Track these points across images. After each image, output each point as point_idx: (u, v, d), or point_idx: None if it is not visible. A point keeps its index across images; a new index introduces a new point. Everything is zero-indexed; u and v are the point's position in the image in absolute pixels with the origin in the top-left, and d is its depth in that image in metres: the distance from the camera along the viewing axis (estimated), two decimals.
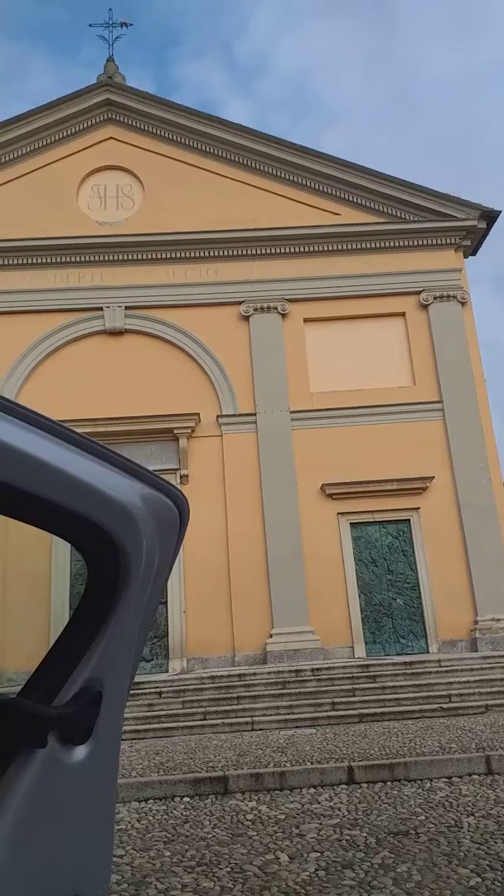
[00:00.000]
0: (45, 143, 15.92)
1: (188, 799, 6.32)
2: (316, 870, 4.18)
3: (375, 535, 13.93)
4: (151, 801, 6.34)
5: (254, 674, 11.58)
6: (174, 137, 16.18)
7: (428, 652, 13.12)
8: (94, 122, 16.22)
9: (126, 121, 16.25)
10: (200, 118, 16.17)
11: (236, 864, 4.38)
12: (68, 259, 15.13)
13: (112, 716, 1.17)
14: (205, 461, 14.16)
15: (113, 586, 1.13)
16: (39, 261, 15.05)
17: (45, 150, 15.94)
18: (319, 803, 5.84)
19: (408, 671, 11.49)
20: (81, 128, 16.14)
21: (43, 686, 1.13)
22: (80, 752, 1.12)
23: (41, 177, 15.75)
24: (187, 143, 16.16)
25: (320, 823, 5.21)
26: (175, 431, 14.12)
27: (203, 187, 15.83)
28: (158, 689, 11.12)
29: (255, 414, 14.39)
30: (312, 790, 6.33)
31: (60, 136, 16.01)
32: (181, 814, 5.82)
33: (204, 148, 16.13)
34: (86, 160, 16.04)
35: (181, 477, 13.99)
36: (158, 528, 1.18)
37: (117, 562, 1.11)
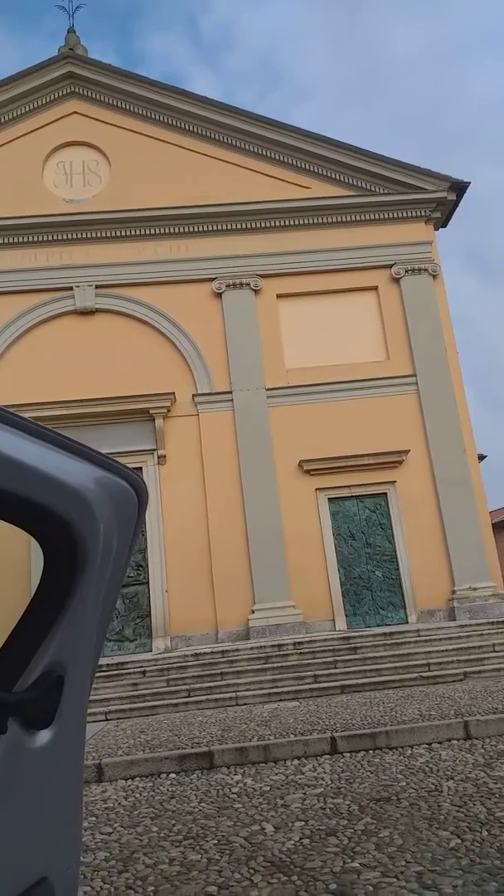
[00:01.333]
0: (6, 118, 15.50)
1: (174, 775, 6.40)
2: (301, 838, 4.28)
3: (353, 509, 14.06)
4: (138, 778, 6.42)
5: (237, 650, 11.70)
6: (140, 111, 15.85)
7: (407, 622, 13.35)
8: (56, 96, 15.80)
9: (90, 94, 15.86)
10: (166, 91, 15.85)
11: (223, 836, 4.47)
12: (36, 238, 14.83)
13: (75, 699, 1.18)
14: (182, 441, 14.12)
15: (70, 570, 1.12)
16: (6, 241, 14.72)
17: (6, 127, 15.52)
18: (303, 774, 5.96)
19: (388, 642, 11.69)
20: (43, 102, 15.72)
21: (2, 672, 1.12)
22: (44, 736, 1.12)
23: (4, 154, 15.35)
24: (153, 116, 15.85)
25: (304, 793, 5.32)
26: (151, 412, 14.04)
27: (171, 162, 15.57)
28: (142, 669, 11.19)
29: (230, 392, 14.35)
30: (296, 762, 6.44)
31: (22, 111, 15.59)
32: (168, 790, 5.90)
33: (171, 122, 15.84)
34: (50, 136, 15.65)
35: (158, 457, 13.95)
36: (115, 511, 1.17)
37: (73, 546, 1.11)
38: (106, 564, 1.17)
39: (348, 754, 6.52)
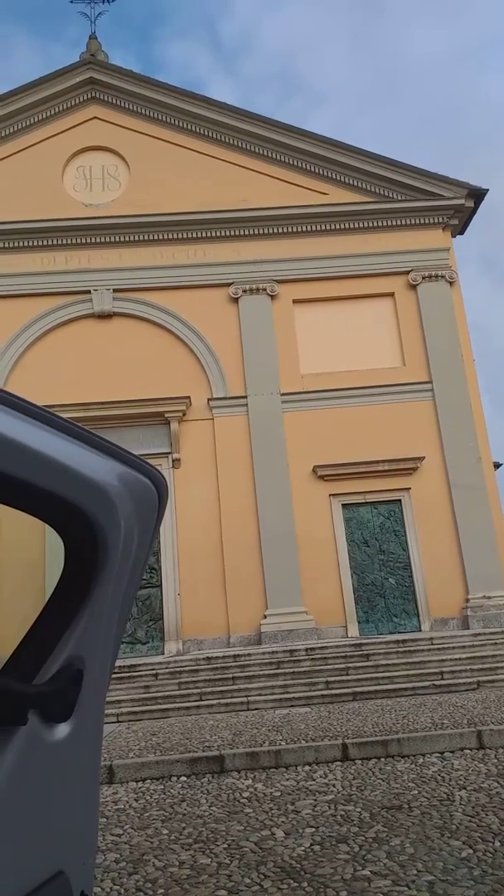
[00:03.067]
0: (28, 123, 15.67)
1: (185, 778, 6.40)
2: (311, 845, 4.26)
3: (367, 515, 14.01)
4: (149, 780, 6.43)
5: (248, 654, 11.69)
6: (159, 117, 15.97)
7: (420, 630, 13.27)
8: (77, 101, 15.96)
9: (110, 100, 16.00)
10: (186, 97, 15.95)
11: (233, 840, 4.46)
12: (55, 242, 14.97)
13: (94, 693, 1.18)
14: (196, 445, 14.16)
15: (91, 565, 1.13)
16: (25, 244, 14.88)
17: (28, 131, 15.69)
18: (314, 780, 5.93)
19: (400, 649, 11.62)
20: (65, 107, 15.88)
21: (23, 664, 1.13)
22: (62, 729, 1.13)
23: (25, 158, 15.52)
24: (173, 122, 15.95)
25: (315, 800, 5.30)
26: (166, 415, 14.09)
27: (189, 168, 15.66)
28: (154, 672, 11.21)
29: (245, 397, 14.38)
30: (307, 767, 6.42)
31: (44, 116, 15.76)
32: (178, 793, 5.90)
33: (190, 127, 15.93)
34: (70, 141, 15.81)
35: (173, 461, 14.00)
36: (136, 507, 1.18)
37: (94, 541, 1.12)
38: (126, 560, 1.18)
39: (360, 761, 6.49)
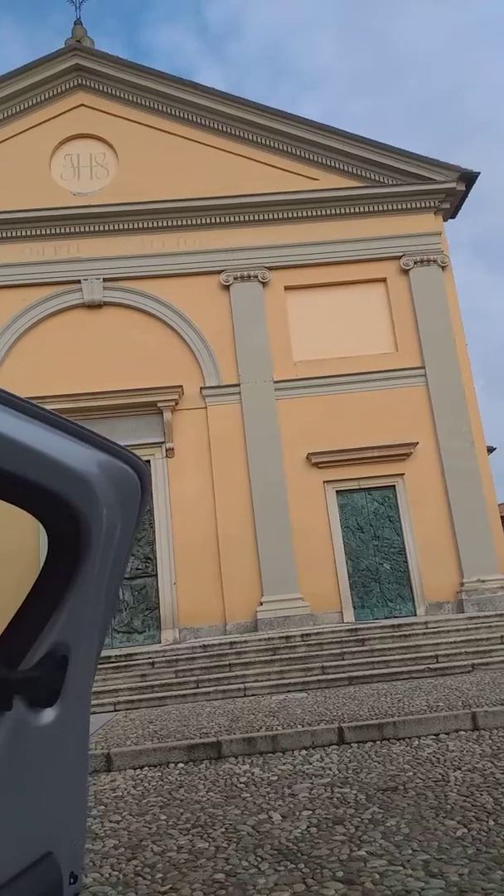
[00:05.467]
0: (13, 111, 15.49)
1: (183, 765, 6.45)
2: (308, 827, 4.30)
3: (361, 501, 14.05)
4: (147, 768, 6.47)
5: (245, 641, 11.75)
6: (147, 103, 15.81)
7: (415, 614, 13.35)
8: (63, 88, 15.78)
9: (97, 87, 15.83)
10: (174, 83, 15.78)
11: (230, 824, 4.50)
12: (43, 231, 14.85)
13: (80, 679, 1.19)
14: (190, 434, 14.14)
15: (74, 552, 1.14)
16: (14, 234, 14.76)
17: (13, 120, 15.51)
18: (311, 764, 5.99)
19: (395, 634, 11.69)
20: (50, 95, 15.70)
21: (8, 650, 1.14)
22: (48, 714, 1.14)
23: (12, 147, 15.36)
24: (161, 109, 15.80)
25: (312, 783, 5.35)
26: (159, 405, 14.06)
27: (178, 154, 15.53)
28: (151, 660, 11.25)
29: (238, 385, 14.35)
30: (304, 752, 6.47)
31: (29, 104, 15.58)
32: (176, 779, 5.94)
33: (178, 114, 15.78)
34: (57, 129, 15.64)
35: (167, 450, 13.98)
36: (118, 495, 1.19)
37: (77, 528, 1.12)
38: (110, 547, 1.19)
39: (356, 745, 6.54)
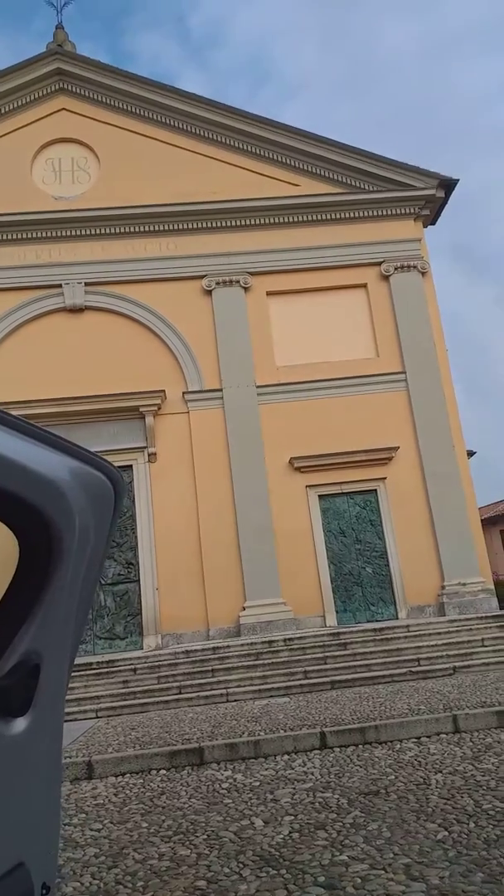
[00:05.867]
0: None
1: (165, 771, 6.42)
2: (290, 832, 4.30)
3: (343, 506, 14.10)
4: (128, 775, 6.43)
5: (227, 646, 11.72)
6: (129, 108, 15.79)
7: (397, 618, 13.41)
8: (44, 92, 15.71)
9: (78, 91, 15.78)
10: (155, 88, 15.79)
11: (212, 831, 4.49)
12: (24, 235, 14.76)
13: (53, 687, 1.19)
14: (172, 439, 14.11)
15: (46, 559, 1.13)
16: None
17: None
18: (293, 769, 5.99)
19: (377, 637, 11.74)
20: (31, 99, 15.62)
21: None
22: (20, 723, 1.13)
23: None
24: (143, 114, 15.79)
25: (294, 788, 5.35)
26: (141, 409, 14.01)
27: (160, 160, 15.53)
28: (133, 666, 11.19)
29: (221, 390, 14.35)
30: (286, 757, 6.48)
31: (10, 107, 15.49)
32: (158, 786, 5.91)
33: (160, 119, 15.79)
34: (38, 133, 15.57)
35: (149, 455, 13.93)
36: (90, 503, 1.18)
37: (48, 536, 1.12)
38: (83, 554, 1.18)
39: (338, 749, 6.56)
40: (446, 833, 4.01)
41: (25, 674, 1.12)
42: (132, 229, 15.04)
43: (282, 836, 4.26)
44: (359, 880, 3.46)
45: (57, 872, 1.26)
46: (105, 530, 1.25)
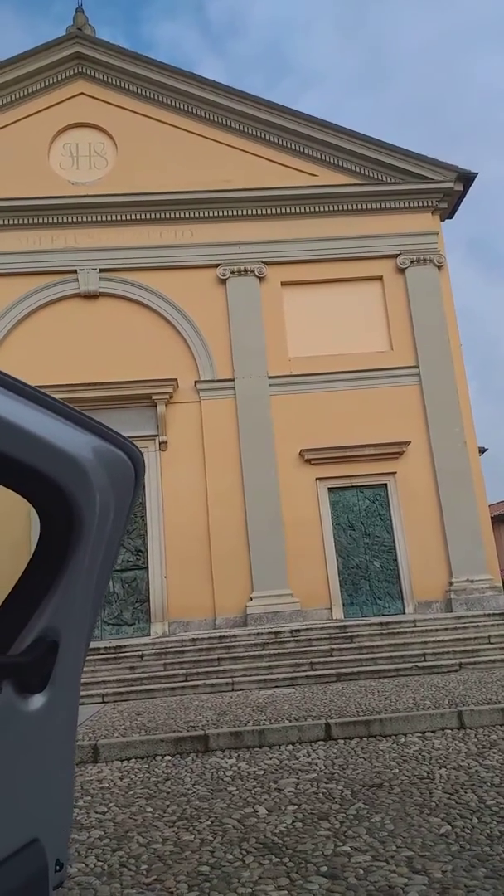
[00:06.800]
0: (12, 98, 15.37)
1: (170, 757, 6.46)
2: (293, 822, 4.32)
3: (353, 499, 14.08)
4: (134, 760, 6.48)
5: (234, 636, 11.77)
6: (148, 94, 15.72)
7: (404, 613, 13.41)
8: (63, 76, 15.67)
9: (97, 76, 15.73)
10: (174, 74, 15.71)
11: (216, 817, 4.52)
12: (40, 220, 14.76)
13: (70, 665, 1.19)
14: (183, 427, 14.12)
15: (66, 538, 1.13)
16: (10, 222, 14.66)
17: (13, 107, 15.40)
18: (297, 759, 6.01)
19: (384, 631, 11.74)
20: (50, 83, 15.59)
21: None
22: (37, 699, 1.14)
23: (10, 134, 15.24)
24: (161, 100, 15.72)
25: (298, 778, 5.37)
26: (153, 397, 14.03)
27: (178, 146, 15.47)
28: (140, 653, 11.26)
29: (233, 379, 14.34)
30: (291, 747, 6.50)
31: (29, 91, 15.46)
32: (163, 771, 5.96)
33: (178, 105, 15.71)
34: (56, 117, 15.54)
35: (160, 443, 13.96)
36: (111, 481, 1.18)
37: (69, 513, 1.11)
38: (102, 533, 1.18)
39: (342, 741, 6.57)
40: (449, 828, 4.02)
41: (44, 650, 1.13)
42: (148, 216, 15.01)
43: (285, 824, 4.28)
44: (361, 871, 3.47)
45: (69, 850, 1.28)
46: (125, 510, 1.24)
